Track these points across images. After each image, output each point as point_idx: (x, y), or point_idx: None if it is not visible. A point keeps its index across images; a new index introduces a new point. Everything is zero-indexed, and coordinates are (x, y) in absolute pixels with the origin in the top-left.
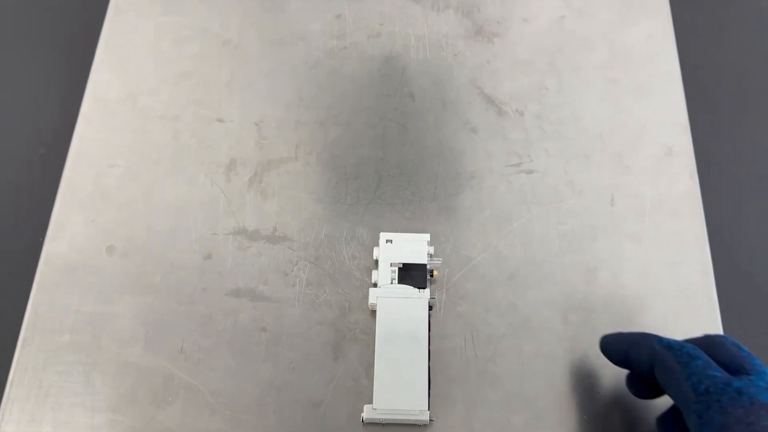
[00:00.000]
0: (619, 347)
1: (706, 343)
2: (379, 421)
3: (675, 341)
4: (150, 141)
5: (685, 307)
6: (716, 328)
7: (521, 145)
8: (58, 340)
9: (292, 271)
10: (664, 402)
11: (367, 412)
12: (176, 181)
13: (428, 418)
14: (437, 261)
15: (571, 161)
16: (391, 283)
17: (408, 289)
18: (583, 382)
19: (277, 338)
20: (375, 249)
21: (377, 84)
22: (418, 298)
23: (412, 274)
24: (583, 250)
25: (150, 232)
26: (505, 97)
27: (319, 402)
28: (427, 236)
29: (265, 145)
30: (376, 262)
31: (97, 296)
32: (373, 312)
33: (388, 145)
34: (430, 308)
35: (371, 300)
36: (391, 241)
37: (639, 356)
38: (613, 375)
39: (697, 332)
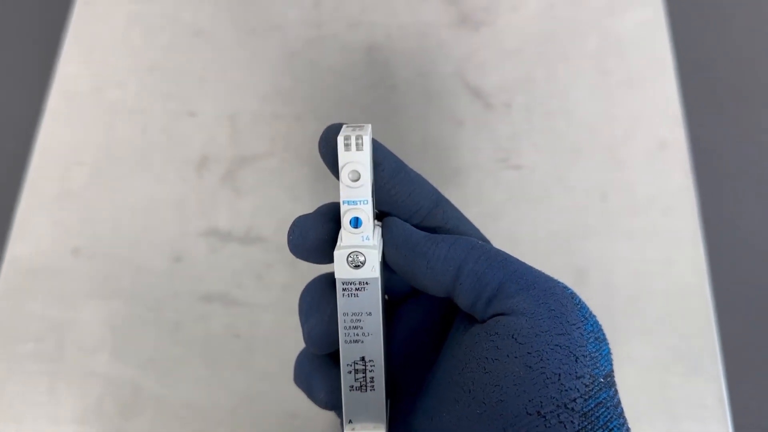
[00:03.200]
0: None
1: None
2: None
3: None
4: (118, 137)
5: (679, 308)
6: (711, 330)
7: (508, 140)
8: (22, 349)
9: (268, 274)
10: None
11: None
12: (145, 179)
13: None
14: None
15: (561, 156)
16: None
17: None
18: None
19: (251, 346)
20: None
21: (358, 76)
22: None
23: None
24: (573, 251)
25: (117, 234)
26: (491, 88)
27: (296, 413)
28: None
29: (239, 141)
30: None
31: (61, 301)
32: None
33: None
34: None
35: None
36: None
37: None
38: None
39: (690, 334)
